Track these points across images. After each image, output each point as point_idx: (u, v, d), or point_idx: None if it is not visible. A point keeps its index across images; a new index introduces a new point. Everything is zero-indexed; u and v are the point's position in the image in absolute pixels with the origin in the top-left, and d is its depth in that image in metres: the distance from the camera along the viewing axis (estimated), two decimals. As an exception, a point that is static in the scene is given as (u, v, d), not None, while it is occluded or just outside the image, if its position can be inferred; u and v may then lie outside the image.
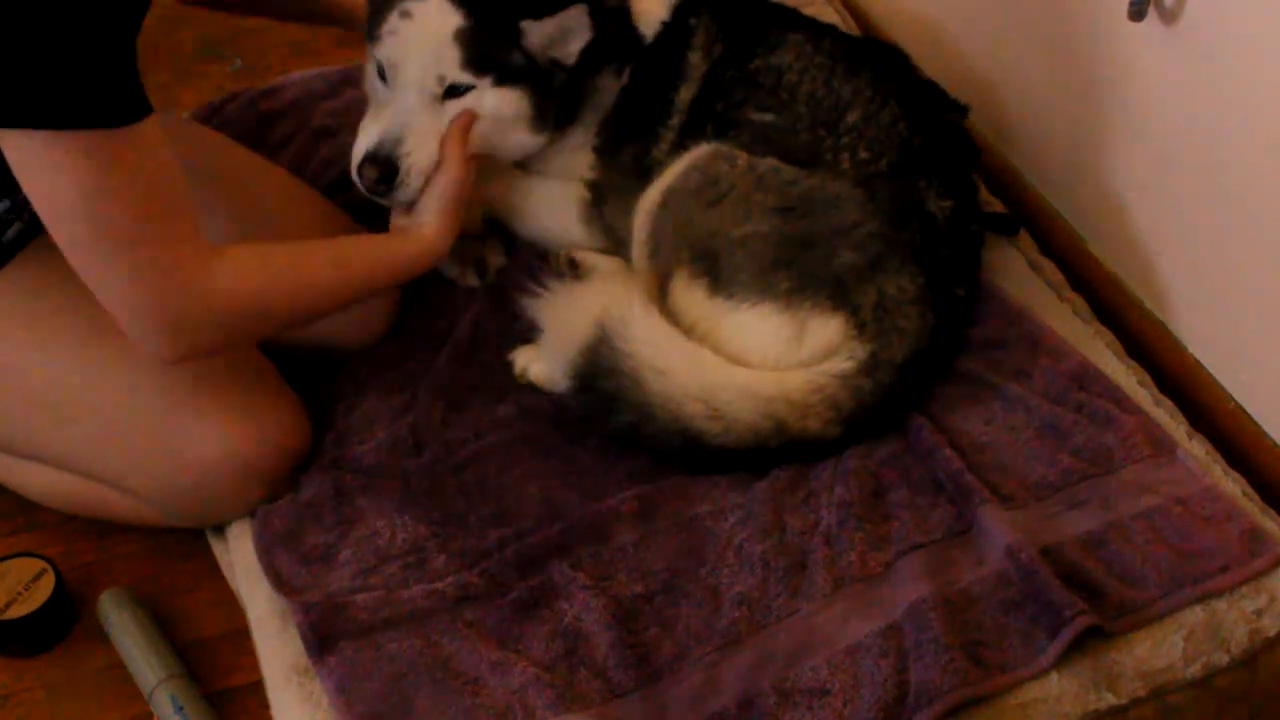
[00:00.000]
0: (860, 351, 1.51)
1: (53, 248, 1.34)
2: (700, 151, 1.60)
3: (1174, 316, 1.74)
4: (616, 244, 1.71)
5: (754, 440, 1.47)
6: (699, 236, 1.56)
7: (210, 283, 1.35)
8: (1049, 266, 1.77)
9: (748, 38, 1.70)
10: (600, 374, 1.49)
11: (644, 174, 1.66)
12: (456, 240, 1.62)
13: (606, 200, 1.71)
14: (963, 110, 1.76)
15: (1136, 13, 1.57)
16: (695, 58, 1.70)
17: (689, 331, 1.54)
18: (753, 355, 1.52)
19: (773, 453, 1.49)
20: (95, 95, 1.23)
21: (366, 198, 1.62)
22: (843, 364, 1.50)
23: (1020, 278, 1.74)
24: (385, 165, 1.56)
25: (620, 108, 1.71)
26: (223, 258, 1.37)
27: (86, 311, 1.42)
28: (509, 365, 1.63)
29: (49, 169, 1.25)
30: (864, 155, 1.60)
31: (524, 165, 1.75)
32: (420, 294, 1.73)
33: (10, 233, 1.50)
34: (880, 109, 1.63)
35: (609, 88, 1.70)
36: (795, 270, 1.52)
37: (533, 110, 1.62)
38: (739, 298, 1.53)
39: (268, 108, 2.03)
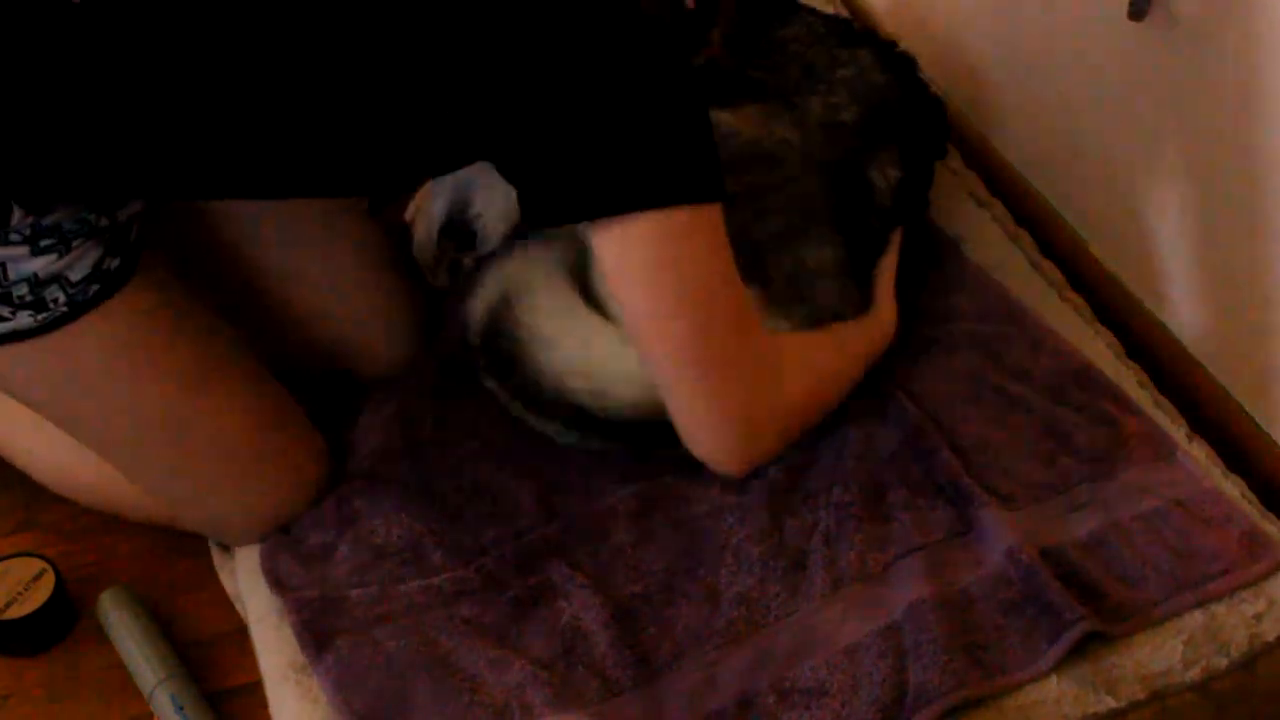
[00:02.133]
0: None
1: (154, 279, 1.38)
2: None
3: (1174, 317, 1.73)
4: None
5: (635, 415, 1.44)
6: None
7: (779, 390, 1.37)
8: (1049, 267, 1.77)
9: (764, 13, 1.72)
10: (498, 334, 1.49)
11: None
12: (431, 240, 1.64)
13: None
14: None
15: (1136, 13, 1.57)
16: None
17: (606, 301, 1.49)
18: None
19: (658, 427, 1.41)
20: (704, 166, 1.23)
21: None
22: None
23: (1021, 277, 1.73)
24: (460, 232, 1.59)
25: None
26: (785, 350, 1.38)
27: (176, 350, 1.43)
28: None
29: (657, 262, 1.25)
30: (834, 100, 1.60)
31: None
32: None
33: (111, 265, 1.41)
34: (873, 74, 1.63)
35: None
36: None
37: None
38: None
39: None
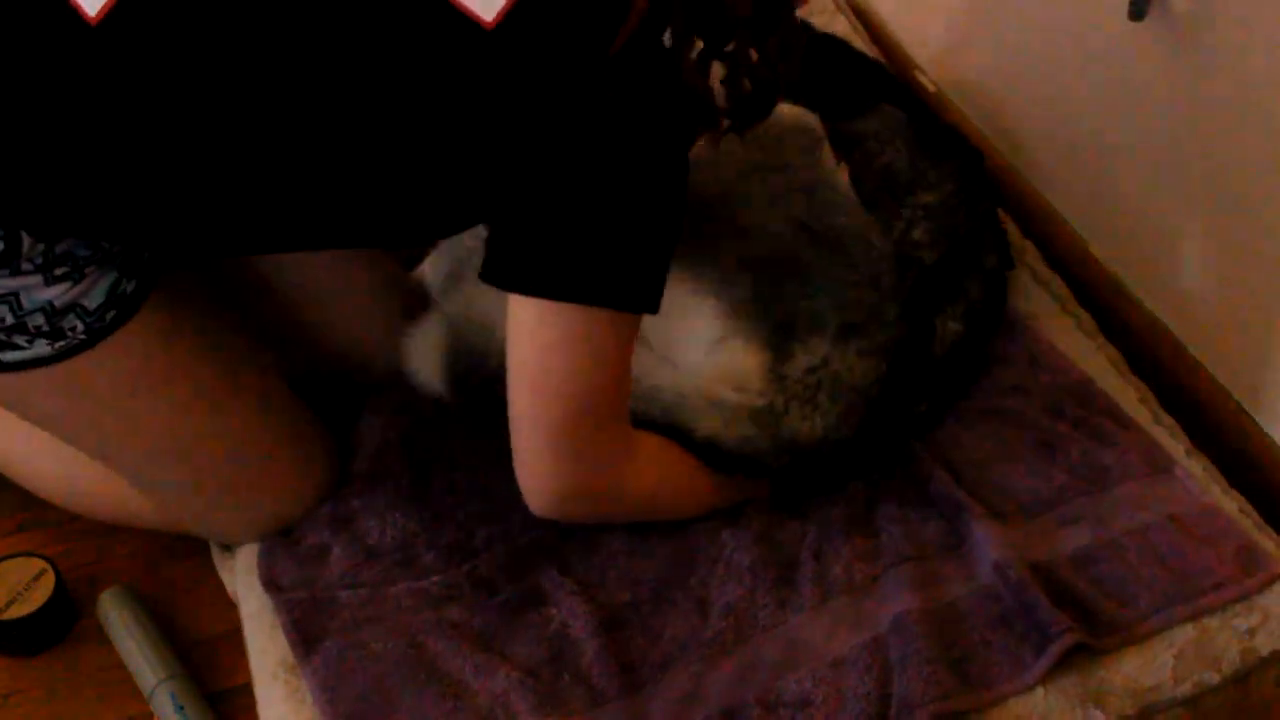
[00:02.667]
0: (760, 399, 1.41)
1: (170, 299, 1.37)
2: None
3: (1176, 317, 1.72)
4: None
5: None
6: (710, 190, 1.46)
7: (620, 478, 1.36)
8: (1055, 281, 1.76)
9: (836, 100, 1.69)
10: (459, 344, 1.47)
11: None
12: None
13: None
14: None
15: (1136, 13, 1.56)
16: None
17: None
18: (670, 331, 1.42)
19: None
20: (656, 281, 1.24)
21: None
22: (728, 394, 1.41)
23: (1025, 290, 1.72)
24: None
25: None
26: (638, 454, 1.37)
27: (196, 368, 1.43)
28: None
29: (560, 352, 1.25)
30: (917, 237, 1.56)
31: None
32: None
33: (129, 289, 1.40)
34: (957, 206, 1.59)
35: None
36: (759, 292, 1.44)
37: None
38: (692, 281, 1.43)
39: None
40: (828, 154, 1.57)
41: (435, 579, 1.42)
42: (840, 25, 2.20)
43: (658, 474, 1.41)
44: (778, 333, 1.43)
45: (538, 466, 1.31)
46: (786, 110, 1.54)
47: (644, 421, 1.39)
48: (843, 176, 1.56)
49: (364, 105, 1.19)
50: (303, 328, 1.64)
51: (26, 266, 1.27)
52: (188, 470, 1.48)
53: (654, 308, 1.25)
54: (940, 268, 1.57)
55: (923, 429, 1.53)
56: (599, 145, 1.19)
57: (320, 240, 1.41)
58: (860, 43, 2.16)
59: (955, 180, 1.61)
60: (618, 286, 1.23)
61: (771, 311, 1.43)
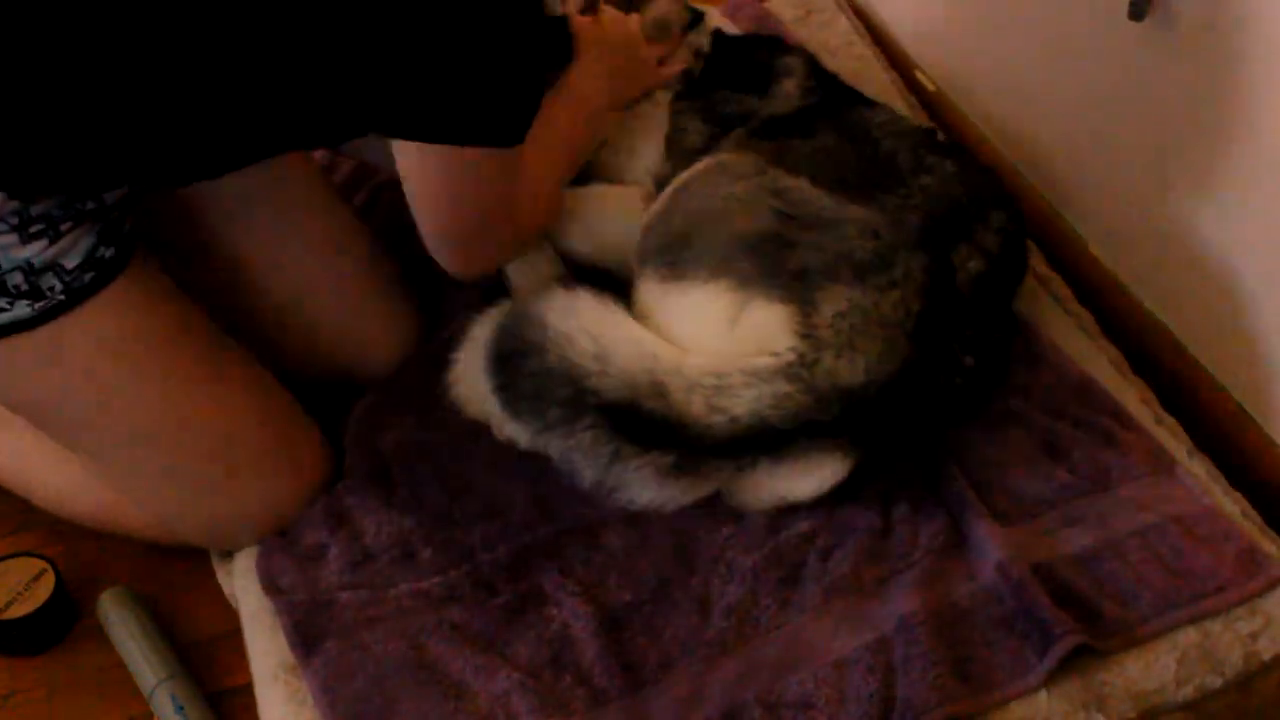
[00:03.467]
0: (791, 354, 1.38)
1: (145, 271, 1.42)
2: (730, 155, 1.56)
3: (1176, 317, 1.72)
4: None
5: (628, 393, 1.36)
6: (684, 220, 1.48)
7: (519, 227, 1.49)
8: (1056, 280, 1.76)
9: (846, 96, 1.72)
10: (510, 331, 1.44)
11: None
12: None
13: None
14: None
15: (1136, 13, 1.56)
16: (790, 85, 1.70)
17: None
18: (685, 334, 1.42)
19: (644, 421, 1.36)
20: (516, 114, 1.34)
21: None
22: (761, 360, 1.38)
23: (1025, 290, 1.71)
24: None
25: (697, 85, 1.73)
26: (520, 194, 1.46)
27: (177, 345, 1.46)
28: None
29: (449, 172, 1.36)
30: (913, 201, 1.54)
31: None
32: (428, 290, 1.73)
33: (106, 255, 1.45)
34: (955, 184, 1.58)
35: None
36: (765, 259, 1.42)
37: None
38: (690, 276, 1.43)
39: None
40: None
41: (435, 580, 1.42)
42: (841, 25, 2.19)
43: (535, 183, 1.49)
44: (793, 289, 1.41)
45: (443, 255, 1.47)
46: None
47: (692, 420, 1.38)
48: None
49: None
50: (296, 329, 1.64)
51: (2, 226, 1.31)
52: (170, 453, 1.48)
53: (518, 138, 1.35)
54: (945, 215, 1.55)
55: (976, 392, 1.51)
56: None
57: (253, 147, 1.44)
58: (861, 44, 2.16)
59: (956, 164, 1.61)
60: (479, 125, 1.32)
61: (779, 273, 1.41)
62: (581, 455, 1.38)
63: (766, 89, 1.69)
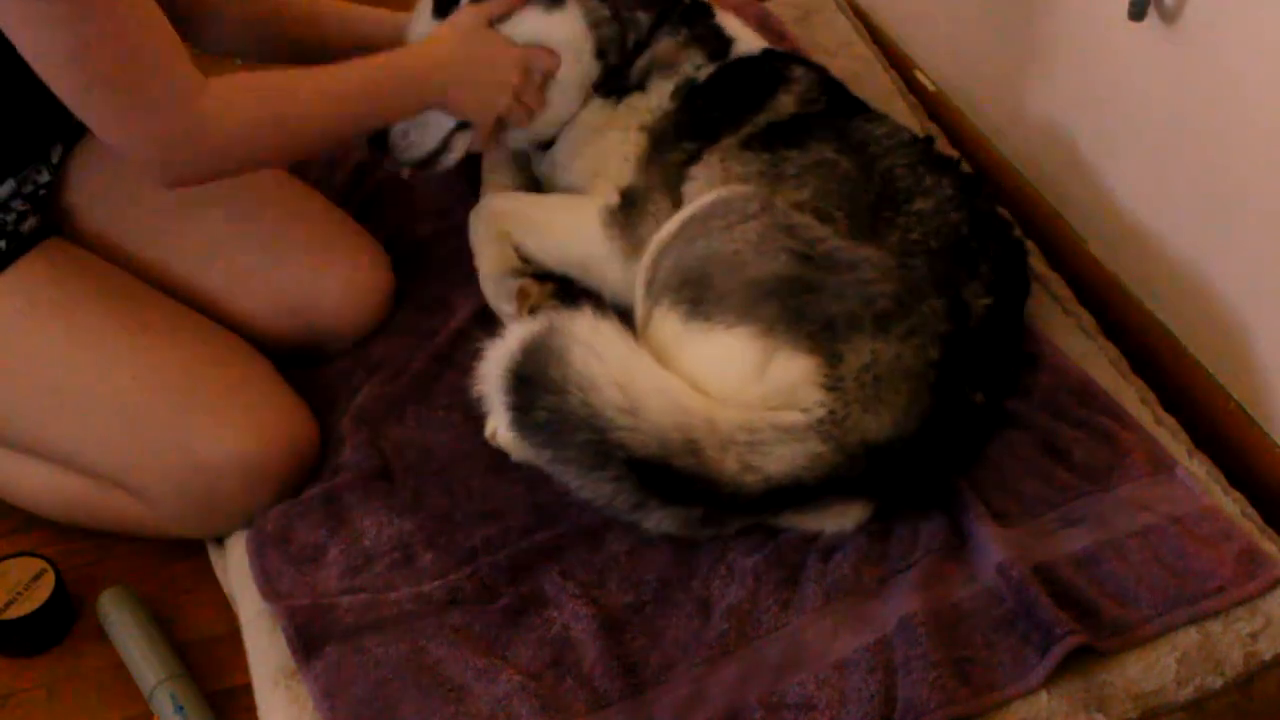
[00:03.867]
0: (821, 410, 1.38)
1: (69, 243, 1.47)
2: (734, 189, 1.54)
3: (1176, 317, 1.73)
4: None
5: (659, 450, 1.35)
6: (698, 258, 1.47)
7: (198, 118, 1.39)
8: (1055, 280, 1.76)
9: (851, 106, 1.70)
10: (529, 359, 1.39)
11: (679, 183, 1.62)
12: (510, 281, 1.64)
13: (637, 204, 1.64)
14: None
15: (1136, 13, 1.56)
16: (786, 100, 1.67)
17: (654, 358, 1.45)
18: (710, 380, 1.41)
19: (675, 477, 1.36)
20: None
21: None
22: (792, 416, 1.38)
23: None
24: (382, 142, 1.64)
25: (689, 103, 1.68)
26: (210, 93, 1.40)
27: (103, 305, 1.48)
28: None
29: (34, 25, 1.30)
30: (914, 236, 1.53)
31: (548, 170, 1.76)
32: (411, 292, 1.73)
33: (26, 226, 1.54)
34: (951, 209, 1.56)
35: (682, 71, 1.69)
36: (789, 304, 1.41)
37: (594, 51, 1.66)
38: (716, 319, 1.43)
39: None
40: None
41: (436, 583, 1.42)
42: (840, 25, 2.19)
43: (254, 100, 1.43)
44: (818, 339, 1.41)
45: (109, 133, 1.39)
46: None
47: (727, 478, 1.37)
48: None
49: None
50: (252, 290, 1.65)
51: None
52: (99, 421, 1.50)
53: None
54: (950, 250, 1.54)
55: (988, 425, 1.51)
56: None
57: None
58: (861, 44, 2.16)
59: (953, 186, 1.60)
60: None
61: (804, 320, 1.41)
62: (600, 498, 1.39)
63: (762, 104, 1.66)
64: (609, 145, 1.69)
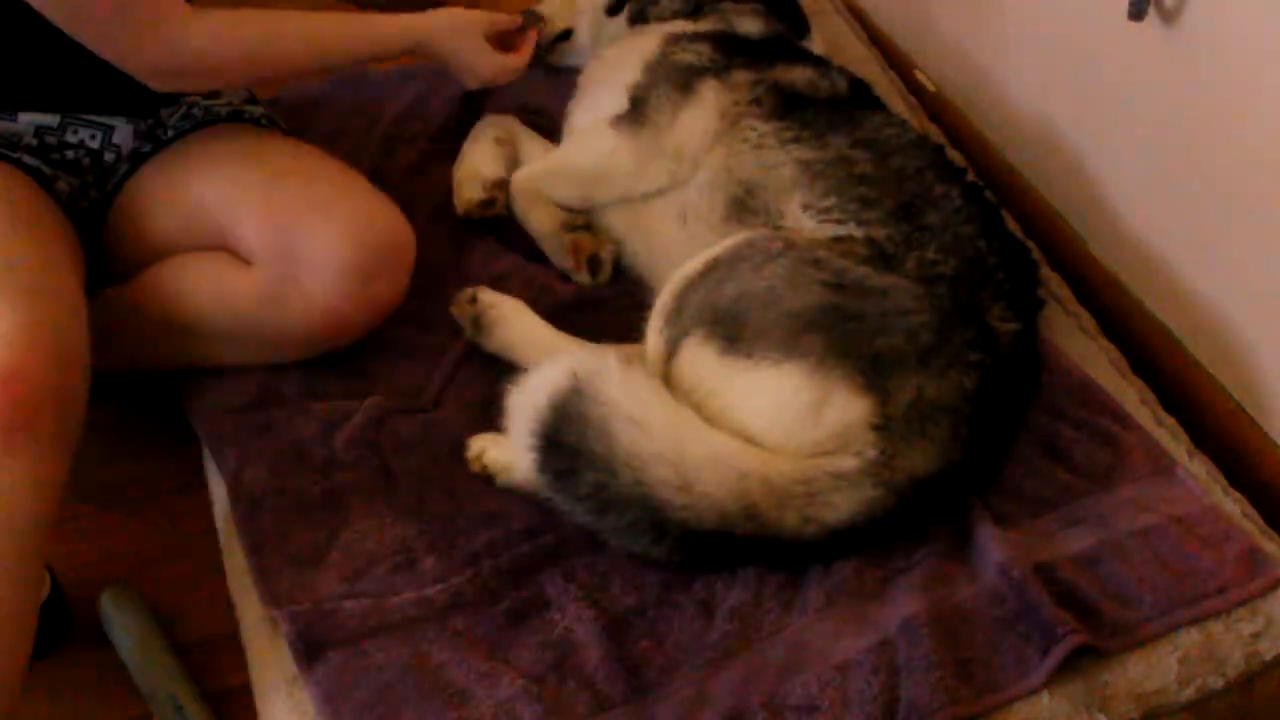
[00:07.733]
0: (872, 451, 1.38)
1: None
2: (756, 234, 1.54)
3: (1176, 317, 1.73)
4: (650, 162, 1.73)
5: (718, 522, 1.35)
6: (730, 298, 1.45)
7: (182, 42, 1.54)
8: (1055, 280, 1.76)
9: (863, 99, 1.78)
10: (566, 424, 1.37)
11: (687, 84, 1.72)
12: (567, 234, 1.74)
13: (648, 98, 1.73)
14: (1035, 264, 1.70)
15: (1136, 13, 1.57)
16: (808, 70, 1.77)
17: (687, 397, 1.43)
18: (762, 420, 1.39)
19: (737, 544, 1.37)
20: None
21: None
22: (846, 461, 1.38)
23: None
24: None
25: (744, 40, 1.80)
26: (197, 21, 1.54)
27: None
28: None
29: None
30: (931, 256, 1.52)
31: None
32: (421, 287, 1.72)
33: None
34: (962, 221, 1.57)
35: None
36: (834, 335, 1.40)
37: None
38: (759, 355, 1.40)
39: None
40: None
41: (438, 587, 1.42)
42: (838, 26, 2.19)
43: (232, 45, 1.58)
44: (871, 376, 1.40)
45: (101, 52, 1.52)
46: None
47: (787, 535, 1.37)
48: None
49: None
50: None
51: None
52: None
53: None
54: (968, 270, 1.54)
55: (1005, 446, 1.51)
56: None
57: None
58: (859, 44, 2.16)
59: (962, 195, 1.60)
60: None
61: (851, 353, 1.40)
62: (644, 553, 1.40)
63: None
64: (628, 57, 1.81)
